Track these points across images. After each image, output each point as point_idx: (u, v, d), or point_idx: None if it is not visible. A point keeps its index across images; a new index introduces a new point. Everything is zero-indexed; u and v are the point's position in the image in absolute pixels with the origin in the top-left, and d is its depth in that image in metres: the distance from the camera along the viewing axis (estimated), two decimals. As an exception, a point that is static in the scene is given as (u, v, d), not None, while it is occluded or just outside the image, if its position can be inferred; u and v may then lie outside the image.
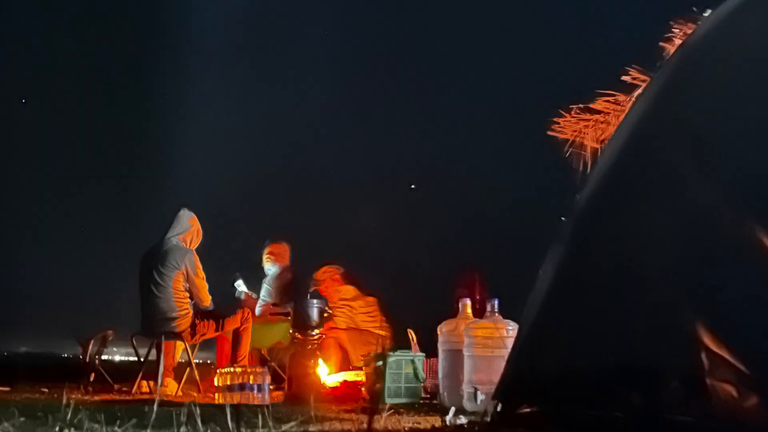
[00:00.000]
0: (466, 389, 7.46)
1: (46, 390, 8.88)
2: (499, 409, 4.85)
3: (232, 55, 22.53)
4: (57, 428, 4.94)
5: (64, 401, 5.28)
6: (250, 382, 7.88)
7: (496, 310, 7.59)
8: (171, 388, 9.42)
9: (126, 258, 11.28)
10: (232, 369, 8.21)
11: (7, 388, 9.08)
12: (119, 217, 19.59)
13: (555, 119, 8.80)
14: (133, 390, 9.36)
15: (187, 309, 9.60)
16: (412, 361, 8.52)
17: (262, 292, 11.33)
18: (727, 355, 4.00)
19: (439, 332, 8.23)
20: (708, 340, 4.02)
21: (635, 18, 16.04)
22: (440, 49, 21.49)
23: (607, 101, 8.47)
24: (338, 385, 9.15)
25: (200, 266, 9.69)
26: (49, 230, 21.05)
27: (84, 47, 21.72)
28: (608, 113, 8.53)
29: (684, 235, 4.37)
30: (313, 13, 21.37)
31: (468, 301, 8.20)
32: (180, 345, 9.87)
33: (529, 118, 12.74)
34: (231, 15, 21.59)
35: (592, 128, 8.66)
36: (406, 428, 5.71)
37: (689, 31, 7.09)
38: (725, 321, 4.11)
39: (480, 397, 7.17)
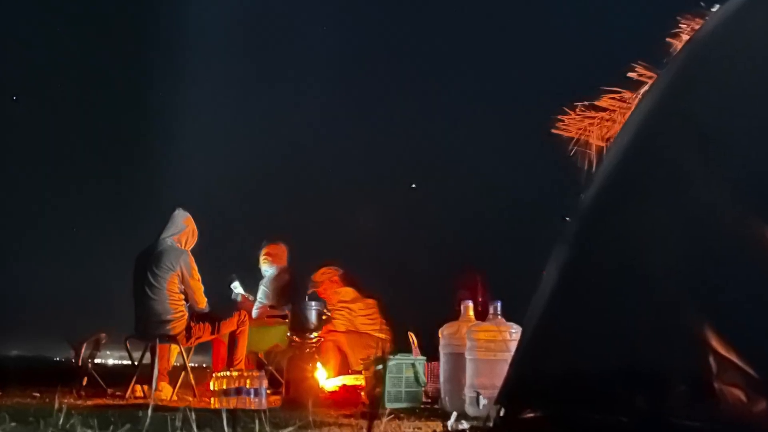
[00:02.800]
0: (468, 393, 7.42)
1: (38, 394, 8.84)
2: (501, 413, 4.78)
3: (232, 55, 22.54)
4: (48, 433, 4.91)
5: (56, 406, 5.34)
6: (247, 386, 7.80)
7: (498, 312, 7.57)
8: (166, 392, 9.36)
9: (123, 258, 11.17)
10: (228, 373, 8.13)
11: (-2, 393, 9.02)
12: (117, 216, 19.54)
13: (560, 117, 8.72)
14: (127, 394, 9.28)
15: (182, 311, 9.53)
16: (413, 365, 8.47)
17: (259, 294, 11.27)
18: (731, 357, 3.99)
19: (440, 335, 8.20)
20: (712, 341, 4.00)
21: (641, 14, 15.97)
22: (440, 49, 21.46)
23: (613, 98, 8.39)
24: (337, 389, 9.07)
25: (195, 267, 9.63)
26: (44, 230, 21.03)
27: (83, 47, 21.71)
28: (614, 110, 8.46)
29: (688, 233, 4.38)
30: (313, 13, 21.37)
31: (470, 304, 8.19)
32: (175, 348, 9.80)
33: (529, 117, 12.66)
34: (231, 15, 21.59)
35: (597, 126, 8.59)
36: (406, 434, 5.68)
37: (697, 27, 7.04)
38: (728, 321, 4.09)
39: (482, 401, 7.14)
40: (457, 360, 7.77)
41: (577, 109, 8.68)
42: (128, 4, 22.30)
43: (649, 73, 7.81)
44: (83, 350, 9.99)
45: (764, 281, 4.09)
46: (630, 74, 7.98)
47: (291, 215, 18.93)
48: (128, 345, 9.82)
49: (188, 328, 9.55)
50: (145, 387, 9.41)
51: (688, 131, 4.62)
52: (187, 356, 9.69)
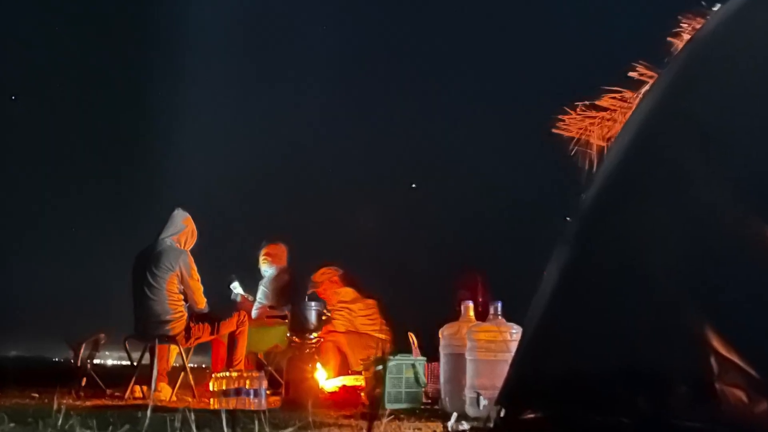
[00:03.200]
0: (469, 394, 7.39)
1: (37, 395, 8.82)
2: (502, 414, 4.74)
3: (232, 55, 22.56)
4: (47, 434, 4.90)
5: (55, 406, 5.34)
6: (247, 386, 7.77)
7: (499, 312, 7.53)
8: (165, 393, 9.33)
9: (122, 258, 11.17)
10: (227, 373, 8.11)
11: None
12: (117, 216, 19.55)
13: (560, 117, 8.70)
14: (126, 395, 9.26)
15: (182, 312, 9.51)
16: (413, 366, 8.43)
17: (259, 295, 11.25)
18: (732, 357, 3.97)
19: (440, 335, 8.16)
20: (713, 342, 3.98)
21: (642, 13, 15.97)
22: (440, 49, 21.47)
23: (614, 98, 8.37)
24: (337, 390, 9.04)
25: (195, 268, 9.60)
26: (43, 230, 21.06)
27: (83, 46, 21.73)
28: (615, 110, 8.43)
29: (688, 233, 4.36)
30: (313, 13, 21.38)
31: (470, 304, 8.15)
32: (174, 349, 9.78)
33: (529, 117, 12.65)
34: (231, 15, 21.61)
35: (598, 126, 8.56)
36: (406, 435, 5.66)
37: (698, 26, 7.02)
38: (729, 321, 4.06)
39: (483, 402, 7.10)
40: (458, 360, 7.74)
41: (578, 109, 8.66)
42: (128, 4, 22.33)
43: (650, 73, 7.79)
44: (82, 351, 9.97)
45: (765, 281, 4.06)
46: (631, 74, 7.96)
47: (291, 215, 18.93)
48: (127, 345, 9.80)
49: (187, 329, 9.53)
50: (144, 387, 9.39)
51: (689, 131, 4.61)
52: (187, 357, 9.67)
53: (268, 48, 22.56)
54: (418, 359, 8.56)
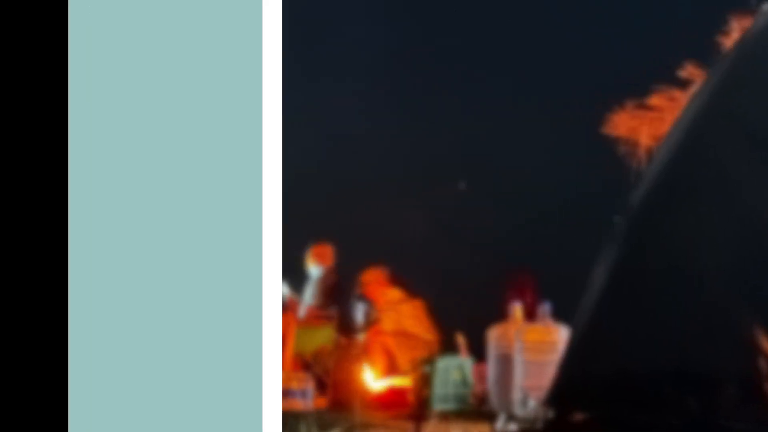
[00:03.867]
0: (517, 395, 7.34)
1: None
2: (550, 415, 4.72)
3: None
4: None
5: None
6: (294, 387, 7.78)
7: (547, 313, 7.49)
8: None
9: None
10: (275, 374, 8.10)
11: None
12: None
13: (610, 116, 8.67)
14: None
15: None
16: (461, 367, 8.40)
17: (306, 295, 11.23)
18: None
19: (488, 337, 8.11)
20: (761, 342, 3.92)
21: (691, 12, 15.82)
22: (489, 45, 21.29)
23: (663, 98, 8.32)
24: (384, 390, 9.03)
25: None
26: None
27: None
28: (663, 110, 8.38)
29: (736, 234, 4.31)
30: (354, 7, 21.30)
31: (519, 305, 8.08)
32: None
33: (580, 115, 12.56)
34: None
35: (647, 125, 8.51)
36: (453, 436, 5.65)
37: (746, 26, 6.96)
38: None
39: (531, 403, 7.05)
40: (506, 362, 7.70)
41: (627, 108, 8.62)
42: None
43: (698, 72, 7.74)
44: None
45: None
46: (680, 73, 7.92)
47: (337, 215, 18.91)
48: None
49: (234, 330, 9.55)
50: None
51: (736, 131, 4.59)
52: (234, 358, 9.68)
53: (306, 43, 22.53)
54: (466, 360, 8.54)
